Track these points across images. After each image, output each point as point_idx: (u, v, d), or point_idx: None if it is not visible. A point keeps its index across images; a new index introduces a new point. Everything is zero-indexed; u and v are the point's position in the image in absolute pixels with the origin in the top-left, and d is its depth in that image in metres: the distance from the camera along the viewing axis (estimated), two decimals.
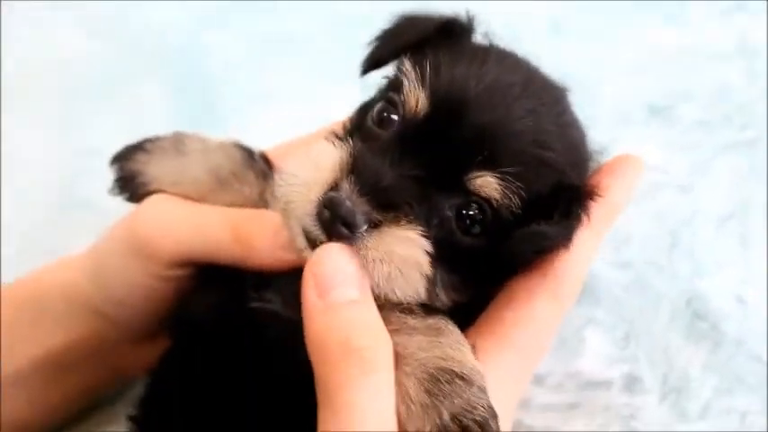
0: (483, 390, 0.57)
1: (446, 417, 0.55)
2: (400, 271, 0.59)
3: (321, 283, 0.57)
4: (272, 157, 0.81)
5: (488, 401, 0.57)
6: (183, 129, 0.82)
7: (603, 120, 1.18)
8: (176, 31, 1.35)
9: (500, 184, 0.61)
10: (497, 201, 0.62)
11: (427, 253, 0.60)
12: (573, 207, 0.64)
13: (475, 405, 0.56)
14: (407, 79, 0.64)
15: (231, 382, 0.67)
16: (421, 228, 0.60)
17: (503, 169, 0.61)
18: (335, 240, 0.58)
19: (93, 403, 0.90)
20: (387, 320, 0.59)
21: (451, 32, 0.72)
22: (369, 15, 1.20)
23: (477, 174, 0.61)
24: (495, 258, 0.64)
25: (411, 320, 0.61)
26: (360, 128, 0.69)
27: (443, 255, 0.62)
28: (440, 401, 0.56)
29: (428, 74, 0.64)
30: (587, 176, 0.70)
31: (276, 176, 0.66)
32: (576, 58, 1.26)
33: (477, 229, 0.63)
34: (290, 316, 0.63)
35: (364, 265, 0.58)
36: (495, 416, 0.56)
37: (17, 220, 1.09)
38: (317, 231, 0.59)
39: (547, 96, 0.68)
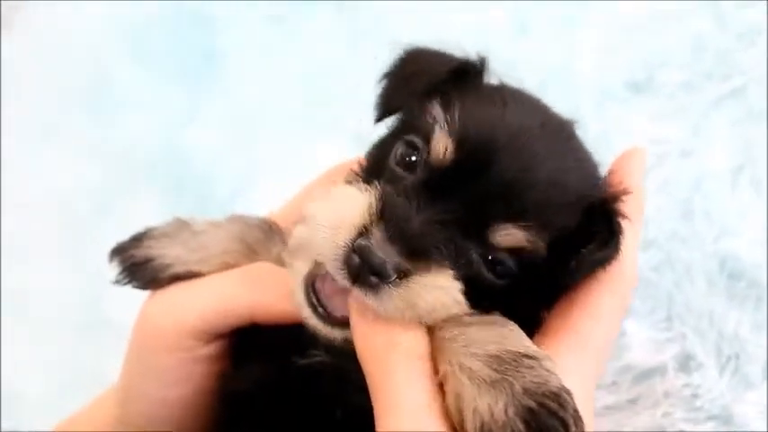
0: (551, 369, 0.57)
1: (518, 388, 0.55)
2: (431, 311, 0.61)
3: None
4: (278, 220, 0.83)
5: (559, 379, 0.57)
6: None
7: (587, 106, 1.18)
8: (155, 138, 1.38)
9: (525, 235, 0.63)
10: (522, 250, 0.63)
11: (460, 289, 0.62)
12: (613, 223, 0.65)
13: (547, 379, 0.56)
14: (438, 126, 0.66)
15: None
16: (451, 270, 0.61)
17: (527, 221, 0.63)
18: (360, 287, 0.59)
19: None
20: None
21: (465, 74, 0.73)
22: (334, 72, 1.22)
23: (502, 227, 0.63)
24: (533, 288, 0.66)
25: (466, 317, 0.62)
26: (380, 169, 0.70)
27: (475, 290, 0.63)
28: (510, 375, 0.56)
29: (456, 121, 0.65)
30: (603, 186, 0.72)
31: (295, 228, 0.67)
32: (546, 56, 1.26)
33: (505, 273, 0.64)
34: (336, 362, 0.67)
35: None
36: (569, 392, 0.56)
37: (42, 351, 1.10)
38: (341, 277, 0.60)
39: (562, 136, 0.70)
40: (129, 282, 0.80)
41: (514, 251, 0.63)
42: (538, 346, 0.62)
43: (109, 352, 0.87)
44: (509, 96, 0.71)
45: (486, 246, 0.63)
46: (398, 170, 0.67)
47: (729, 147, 1.09)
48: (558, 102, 0.76)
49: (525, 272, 0.65)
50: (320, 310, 0.66)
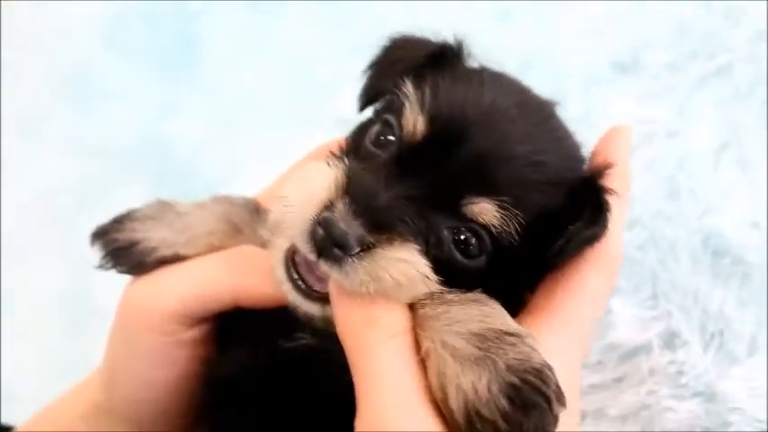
0: (533, 346, 0.57)
1: (501, 365, 0.55)
2: (398, 286, 0.60)
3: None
4: (262, 201, 0.82)
5: (542, 356, 0.57)
6: None
7: (574, 89, 1.17)
8: (141, 130, 1.38)
9: (498, 212, 0.62)
10: (495, 227, 0.62)
11: (427, 264, 0.61)
12: (600, 199, 0.65)
13: (529, 355, 0.56)
14: (408, 102, 0.66)
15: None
16: (417, 244, 0.61)
17: (501, 196, 0.62)
18: (326, 260, 0.59)
19: None
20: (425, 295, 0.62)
21: (443, 57, 0.73)
22: (315, 58, 1.22)
23: (474, 200, 0.62)
24: (512, 270, 0.65)
25: (448, 295, 0.62)
26: (358, 148, 0.70)
27: (445, 270, 0.62)
28: (493, 353, 0.56)
29: (427, 98, 0.65)
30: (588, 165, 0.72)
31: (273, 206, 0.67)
32: (530, 40, 1.26)
33: (476, 253, 0.64)
34: (322, 344, 0.67)
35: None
36: (551, 368, 0.56)
37: (43, 351, 1.11)
38: (308, 251, 0.60)
39: (540, 115, 0.70)
40: (114, 266, 0.78)
41: (487, 227, 0.63)
42: (522, 324, 0.62)
43: (100, 340, 0.87)
44: (487, 77, 0.70)
45: (459, 219, 0.63)
46: (373, 149, 0.68)
47: (714, 126, 1.08)
48: (544, 84, 0.75)
49: (502, 253, 0.64)
50: (300, 283, 0.66)
